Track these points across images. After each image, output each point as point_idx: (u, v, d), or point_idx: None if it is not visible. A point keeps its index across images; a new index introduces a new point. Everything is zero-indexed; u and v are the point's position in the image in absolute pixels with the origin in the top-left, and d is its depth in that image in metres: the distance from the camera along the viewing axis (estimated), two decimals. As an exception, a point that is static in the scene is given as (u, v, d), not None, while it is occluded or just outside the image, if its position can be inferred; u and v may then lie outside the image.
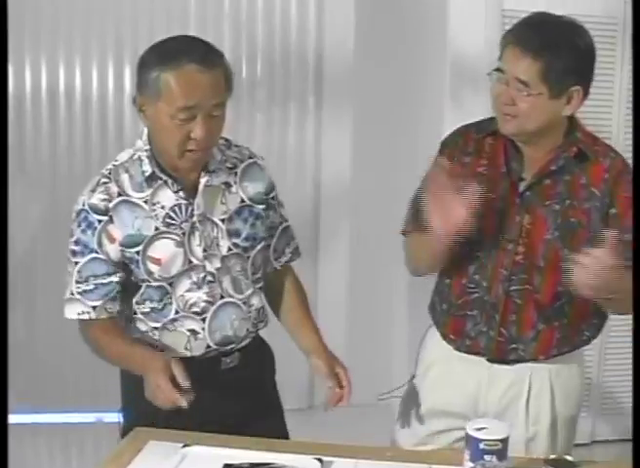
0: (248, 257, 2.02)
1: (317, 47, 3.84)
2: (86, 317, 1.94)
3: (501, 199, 2.02)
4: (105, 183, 1.91)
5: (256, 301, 2.05)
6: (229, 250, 1.98)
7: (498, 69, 1.96)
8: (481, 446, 1.64)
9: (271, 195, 2.07)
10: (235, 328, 2.01)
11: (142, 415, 1.95)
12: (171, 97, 1.78)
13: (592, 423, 3.77)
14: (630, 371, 3.36)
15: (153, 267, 1.93)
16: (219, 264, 1.97)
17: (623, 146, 3.55)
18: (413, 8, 3.75)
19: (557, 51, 1.91)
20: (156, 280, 1.94)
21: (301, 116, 3.92)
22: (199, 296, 1.96)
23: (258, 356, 2.12)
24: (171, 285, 1.95)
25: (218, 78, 1.83)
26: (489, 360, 2.11)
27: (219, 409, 1.96)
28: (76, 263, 1.94)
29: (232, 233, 1.98)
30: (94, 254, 1.91)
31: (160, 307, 1.96)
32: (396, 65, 3.81)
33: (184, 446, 1.82)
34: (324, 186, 3.99)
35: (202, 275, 1.96)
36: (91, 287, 1.93)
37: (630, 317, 3.56)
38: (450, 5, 3.43)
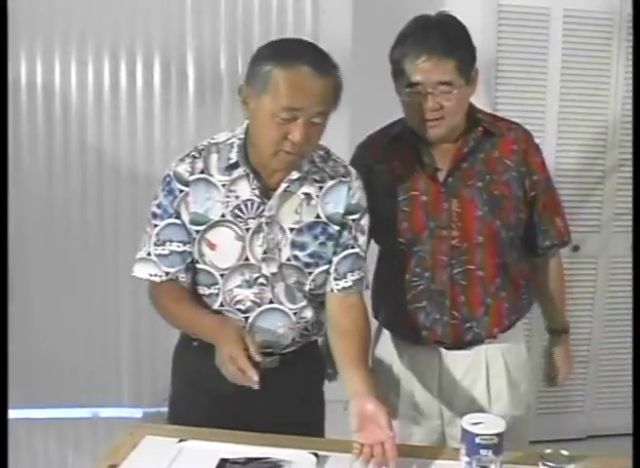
0: (310, 273, 1.96)
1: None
2: (157, 280, 1.95)
3: (425, 193, 2.11)
4: (195, 157, 1.93)
5: (309, 314, 1.99)
6: (288, 260, 1.93)
7: (410, 84, 2.02)
8: (477, 440, 1.64)
9: (352, 217, 1.96)
10: (279, 335, 1.96)
11: (185, 403, 2.02)
12: (278, 94, 1.76)
13: (588, 418, 3.78)
14: (624, 367, 3.37)
15: (207, 250, 1.93)
16: (275, 269, 1.93)
17: (620, 140, 3.58)
18: (410, 3, 3.74)
19: (459, 42, 2.03)
20: (205, 264, 1.94)
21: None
22: (247, 295, 1.94)
23: (303, 361, 2.04)
24: (222, 277, 1.94)
25: (328, 87, 1.80)
26: (446, 347, 2.17)
27: (257, 404, 1.92)
28: (155, 226, 1.95)
29: (297, 245, 1.93)
30: (172, 220, 1.93)
31: (207, 294, 1.96)
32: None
33: (180, 440, 1.82)
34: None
35: (255, 275, 1.93)
36: (166, 252, 1.94)
37: (624, 314, 3.58)
38: (446, 0, 3.43)
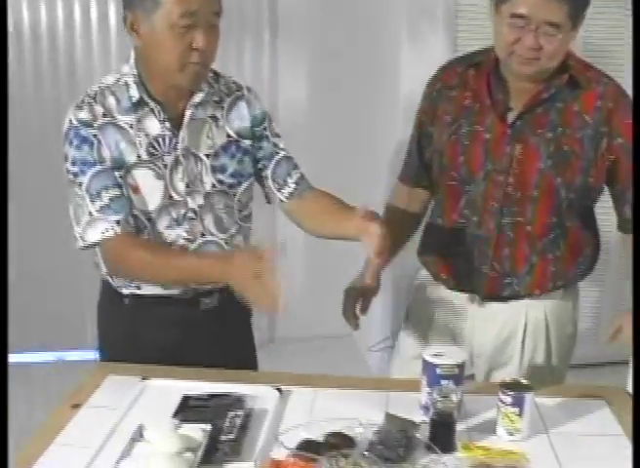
0: (234, 195, 1.95)
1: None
2: (111, 234, 1.80)
3: (489, 131, 1.98)
4: (90, 104, 1.83)
5: (240, 241, 1.99)
6: (213, 186, 1.91)
7: (514, 15, 1.83)
8: (438, 371, 1.66)
9: (262, 126, 1.98)
10: None
11: (120, 357, 1.95)
12: (170, 3, 1.72)
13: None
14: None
15: (131, 195, 1.85)
16: (201, 201, 1.90)
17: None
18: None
19: None
20: (133, 208, 1.86)
21: (257, 49, 3.87)
22: (178, 234, 1.90)
23: (237, 296, 2.02)
24: (149, 220, 1.88)
25: None
26: (483, 298, 2.08)
27: (198, 349, 1.94)
28: (81, 184, 1.81)
29: (217, 169, 1.91)
30: (97, 167, 1.81)
31: None
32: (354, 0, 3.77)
33: (143, 378, 1.83)
34: (281, 120, 3.95)
35: (183, 211, 1.89)
36: (106, 201, 1.80)
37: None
38: None
